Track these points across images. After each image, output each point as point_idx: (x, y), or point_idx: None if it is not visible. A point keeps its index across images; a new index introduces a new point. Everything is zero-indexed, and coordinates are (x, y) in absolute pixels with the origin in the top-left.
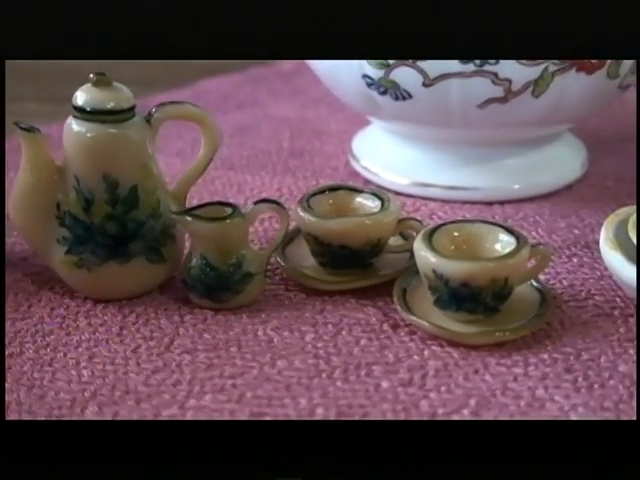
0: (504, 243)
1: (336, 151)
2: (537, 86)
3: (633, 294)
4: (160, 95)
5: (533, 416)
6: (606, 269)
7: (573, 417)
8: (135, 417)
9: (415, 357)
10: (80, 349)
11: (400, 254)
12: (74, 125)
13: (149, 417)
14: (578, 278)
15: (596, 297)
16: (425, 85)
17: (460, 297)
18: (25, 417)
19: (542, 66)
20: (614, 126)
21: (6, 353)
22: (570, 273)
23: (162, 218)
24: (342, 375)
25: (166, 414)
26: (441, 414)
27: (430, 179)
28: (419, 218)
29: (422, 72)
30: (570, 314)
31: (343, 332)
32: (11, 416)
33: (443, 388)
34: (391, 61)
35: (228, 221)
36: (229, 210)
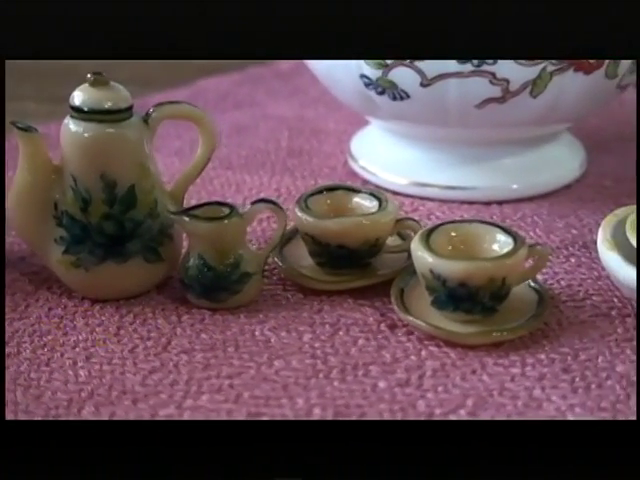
0: (502, 243)
1: (334, 151)
2: (535, 86)
3: (631, 294)
4: (158, 95)
5: (530, 416)
6: (604, 269)
7: (570, 417)
8: (132, 417)
9: (412, 357)
10: (77, 349)
11: (398, 254)
12: (71, 125)
13: (146, 417)
14: (576, 278)
15: (594, 297)
16: (423, 85)
17: (457, 297)
18: (22, 417)
19: (540, 66)
20: (613, 126)
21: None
22: (568, 273)
23: (160, 218)
24: (339, 375)
25: (163, 414)
26: (438, 414)
27: (428, 179)
28: (417, 218)
29: (420, 72)
30: (568, 314)
31: (340, 332)
32: (8, 416)
33: (440, 388)
34: (389, 61)
35: (225, 221)
36: (226, 210)
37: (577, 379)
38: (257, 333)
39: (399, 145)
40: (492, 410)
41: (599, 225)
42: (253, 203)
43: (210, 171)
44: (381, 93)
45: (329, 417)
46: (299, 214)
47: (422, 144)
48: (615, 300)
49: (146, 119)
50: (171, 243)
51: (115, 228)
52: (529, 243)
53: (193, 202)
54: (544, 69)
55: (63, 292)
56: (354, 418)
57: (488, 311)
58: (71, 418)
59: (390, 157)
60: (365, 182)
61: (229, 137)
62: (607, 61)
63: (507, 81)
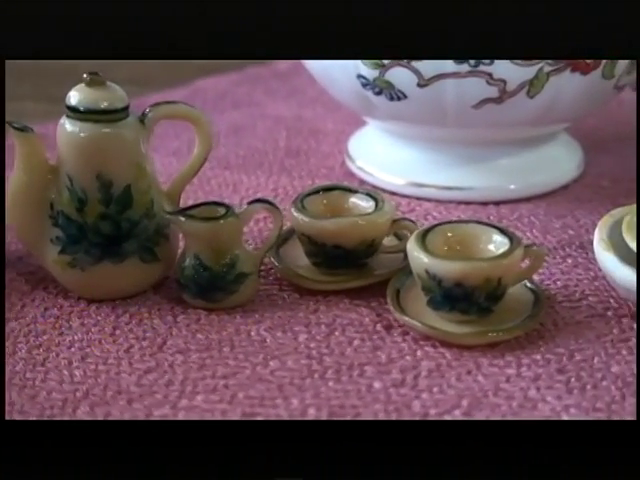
0: (498, 243)
1: (332, 151)
2: (532, 86)
3: (627, 295)
4: (157, 95)
5: (525, 417)
6: (600, 270)
7: (565, 418)
8: (127, 417)
9: (408, 357)
10: (73, 349)
11: (394, 254)
12: (67, 125)
13: (141, 417)
14: (572, 279)
15: (590, 298)
16: (420, 85)
17: (453, 297)
18: (16, 417)
19: (537, 66)
20: (611, 126)
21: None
22: (564, 274)
23: (156, 218)
24: (334, 375)
25: (158, 414)
26: (433, 414)
27: (425, 179)
28: (414, 218)
29: (417, 72)
30: (564, 315)
31: (336, 332)
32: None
33: (435, 389)
34: (386, 61)
35: (222, 221)
36: (223, 210)
37: (572, 380)
38: (253, 333)
39: (396, 145)
40: (487, 410)
41: (596, 225)
42: (249, 203)
43: (207, 171)
44: (378, 93)
45: (323, 417)
46: (295, 214)
47: (419, 144)
48: (611, 301)
49: (142, 119)
50: (167, 243)
51: (111, 228)
52: (525, 243)
53: (190, 202)
54: (541, 69)
55: (59, 292)
56: (348, 418)
57: (484, 311)
58: (66, 418)
59: (387, 157)
60: (362, 182)
61: (227, 137)
62: (604, 61)
63: (504, 81)
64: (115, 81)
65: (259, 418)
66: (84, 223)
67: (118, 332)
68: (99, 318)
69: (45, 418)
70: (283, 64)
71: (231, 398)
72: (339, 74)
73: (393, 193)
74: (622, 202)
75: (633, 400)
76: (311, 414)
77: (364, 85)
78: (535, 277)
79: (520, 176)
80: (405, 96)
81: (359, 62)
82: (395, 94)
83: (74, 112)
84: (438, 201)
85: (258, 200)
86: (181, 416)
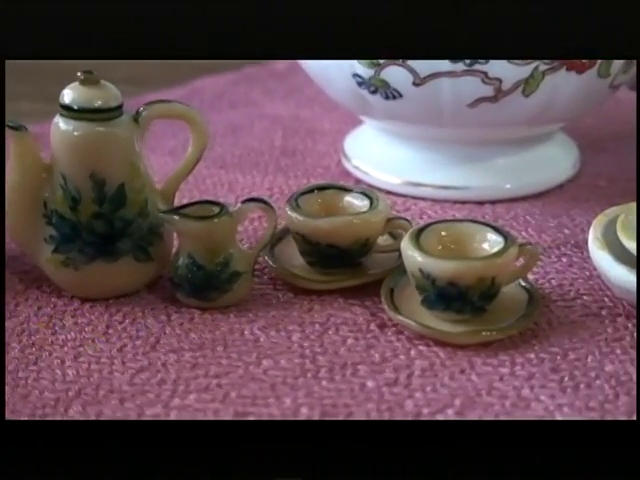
0: (492, 242)
1: (328, 150)
2: (527, 85)
3: (621, 294)
4: (154, 94)
5: (518, 416)
6: (595, 269)
7: (558, 417)
8: (119, 416)
9: (401, 357)
10: (66, 348)
11: (389, 254)
12: (61, 123)
13: (133, 417)
14: (567, 278)
15: (584, 297)
16: (415, 84)
17: (447, 296)
18: (9, 416)
19: (532, 65)
20: (606, 126)
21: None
22: (559, 273)
23: (150, 217)
24: (327, 374)
25: (150, 413)
26: (425, 414)
27: (421, 178)
28: (409, 217)
29: (412, 71)
30: (558, 314)
31: (330, 331)
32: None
33: (428, 388)
34: (381, 60)
35: (215, 220)
36: (217, 209)
37: (566, 379)
38: (246, 332)
39: (392, 144)
40: (480, 410)
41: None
42: (244, 202)
43: (203, 170)
44: (374, 92)
45: (316, 417)
46: (290, 213)
47: (415, 144)
48: (606, 300)
49: (136, 118)
50: (161, 242)
51: (105, 227)
52: (519, 242)
53: (185, 201)
54: (536, 68)
55: (53, 291)
56: (341, 418)
57: (478, 311)
58: (58, 418)
59: (383, 156)
60: (358, 181)
61: (224, 137)
62: (599, 61)
63: (499, 80)
64: (113, 81)
65: (251, 417)
66: (78, 222)
67: (111, 331)
68: (92, 317)
69: (37, 417)
70: (281, 64)
71: (223, 397)
72: (335, 73)
73: (389, 192)
74: (618, 202)
75: (626, 399)
76: (303, 413)
77: (359, 84)
78: (530, 276)
79: (516, 175)
80: (400, 95)
81: (354, 61)
82: (390, 93)
83: (68, 111)
84: (434, 200)
85: (252, 199)
86: (173, 415)
